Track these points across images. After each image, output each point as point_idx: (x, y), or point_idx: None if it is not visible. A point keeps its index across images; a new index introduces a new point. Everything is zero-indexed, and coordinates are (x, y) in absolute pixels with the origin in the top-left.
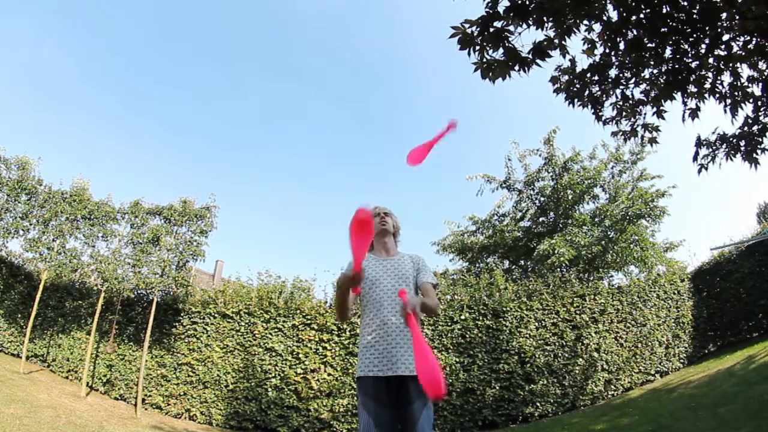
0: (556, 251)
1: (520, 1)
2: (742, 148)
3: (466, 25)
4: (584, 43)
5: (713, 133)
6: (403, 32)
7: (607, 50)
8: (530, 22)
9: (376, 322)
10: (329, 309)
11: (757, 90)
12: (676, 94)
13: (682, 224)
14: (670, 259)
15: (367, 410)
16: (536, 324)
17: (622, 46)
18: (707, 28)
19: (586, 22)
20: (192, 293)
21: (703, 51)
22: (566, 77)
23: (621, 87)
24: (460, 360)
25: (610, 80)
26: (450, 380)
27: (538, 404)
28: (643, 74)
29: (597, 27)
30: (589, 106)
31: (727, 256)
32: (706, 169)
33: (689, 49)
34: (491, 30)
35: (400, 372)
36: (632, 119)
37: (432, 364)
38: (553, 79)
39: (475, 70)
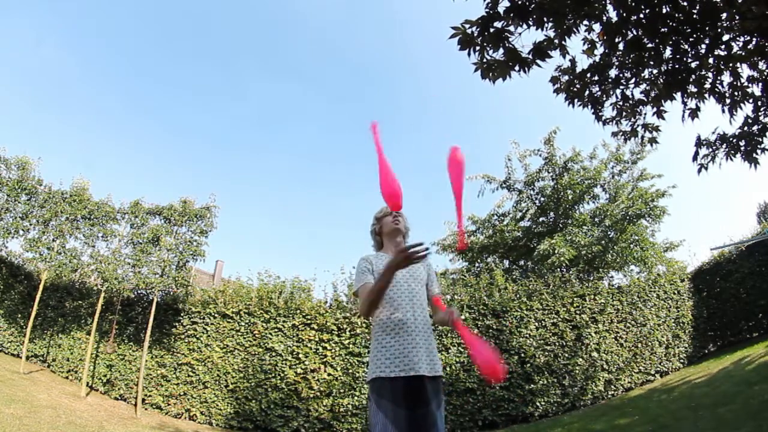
0: (556, 251)
1: (520, 2)
2: (742, 148)
3: (466, 26)
4: (584, 43)
5: (713, 133)
6: (403, 32)
7: (607, 50)
8: (530, 23)
9: (394, 321)
10: (329, 309)
11: (757, 90)
12: (676, 94)
13: (682, 224)
14: (670, 259)
15: (384, 412)
16: (536, 324)
17: (621, 46)
18: (707, 28)
19: (586, 22)
20: (192, 293)
21: (703, 51)
22: (566, 77)
23: (621, 87)
24: (460, 360)
25: (610, 80)
26: (450, 380)
27: (538, 404)
28: (643, 74)
29: (597, 27)
30: (589, 106)
31: (727, 256)
32: (706, 169)
33: (689, 49)
34: (491, 30)
35: (421, 372)
36: (632, 119)
37: (490, 355)
38: (553, 80)
39: (475, 71)
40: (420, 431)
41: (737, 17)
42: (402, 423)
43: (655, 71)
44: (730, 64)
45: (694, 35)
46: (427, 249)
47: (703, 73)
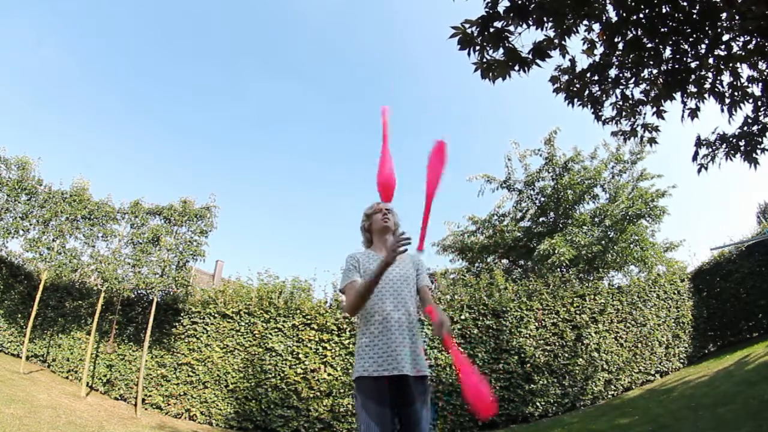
0: (556, 251)
1: (520, 1)
2: (742, 148)
3: (466, 26)
4: (584, 43)
5: (713, 133)
6: (404, 32)
7: (607, 50)
8: (530, 22)
9: (378, 320)
10: (329, 309)
11: (756, 90)
12: (675, 94)
13: (682, 224)
14: (670, 259)
15: (368, 411)
16: (536, 324)
17: (621, 46)
18: (707, 28)
19: (585, 22)
20: (192, 293)
21: (703, 51)
22: (566, 77)
23: (621, 87)
24: None
25: (609, 80)
26: (450, 380)
27: (538, 404)
28: (642, 74)
29: (597, 27)
30: (589, 106)
31: (727, 256)
32: (706, 169)
33: (689, 49)
34: (491, 30)
35: (404, 371)
36: (632, 119)
37: (479, 384)
38: (553, 79)
39: (475, 71)
40: (404, 430)
41: (737, 17)
42: (386, 422)
43: (654, 71)
44: (730, 64)
45: (694, 35)
46: (408, 238)
47: (703, 73)
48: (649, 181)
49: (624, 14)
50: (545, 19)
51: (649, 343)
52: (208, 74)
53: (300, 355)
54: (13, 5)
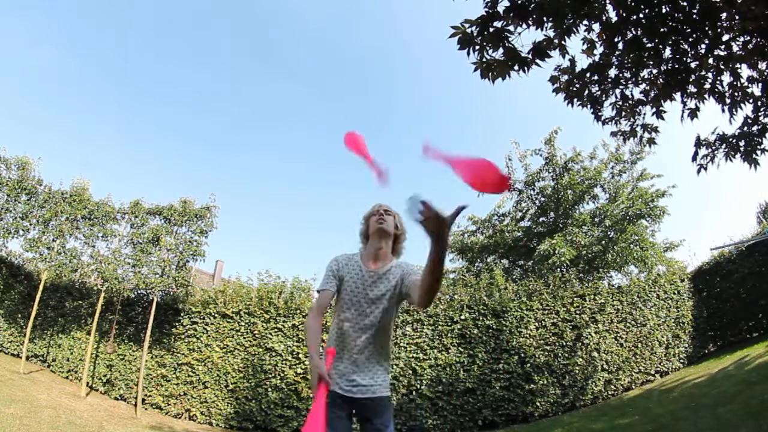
0: (556, 251)
1: (520, 1)
2: (742, 149)
3: (466, 25)
4: (584, 43)
5: (713, 133)
6: (404, 33)
7: (606, 50)
8: (530, 22)
9: (341, 340)
10: (329, 309)
11: (756, 90)
12: (675, 94)
13: (682, 224)
14: (670, 259)
15: (330, 420)
16: (536, 324)
17: (621, 46)
18: (707, 28)
19: (585, 22)
20: (192, 293)
21: (703, 51)
22: (566, 77)
23: (620, 87)
24: (460, 360)
25: (609, 80)
26: (450, 380)
27: (538, 404)
28: (642, 74)
29: (596, 27)
30: (589, 106)
31: (727, 256)
32: (706, 169)
33: (689, 49)
34: (491, 30)
35: (358, 395)
36: (632, 119)
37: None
38: (553, 79)
39: (475, 70)
40: None
41: (737, 17)
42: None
43: (654, 71)
44: (730, 64)
45: (694, 35)
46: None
47: (703, 73)
48: (649, 181)
49: (624, 14)
50: (545, 19)
51: (649, 343)
52: (208, 74)
53: (300, 355)
54: (12, 5)
